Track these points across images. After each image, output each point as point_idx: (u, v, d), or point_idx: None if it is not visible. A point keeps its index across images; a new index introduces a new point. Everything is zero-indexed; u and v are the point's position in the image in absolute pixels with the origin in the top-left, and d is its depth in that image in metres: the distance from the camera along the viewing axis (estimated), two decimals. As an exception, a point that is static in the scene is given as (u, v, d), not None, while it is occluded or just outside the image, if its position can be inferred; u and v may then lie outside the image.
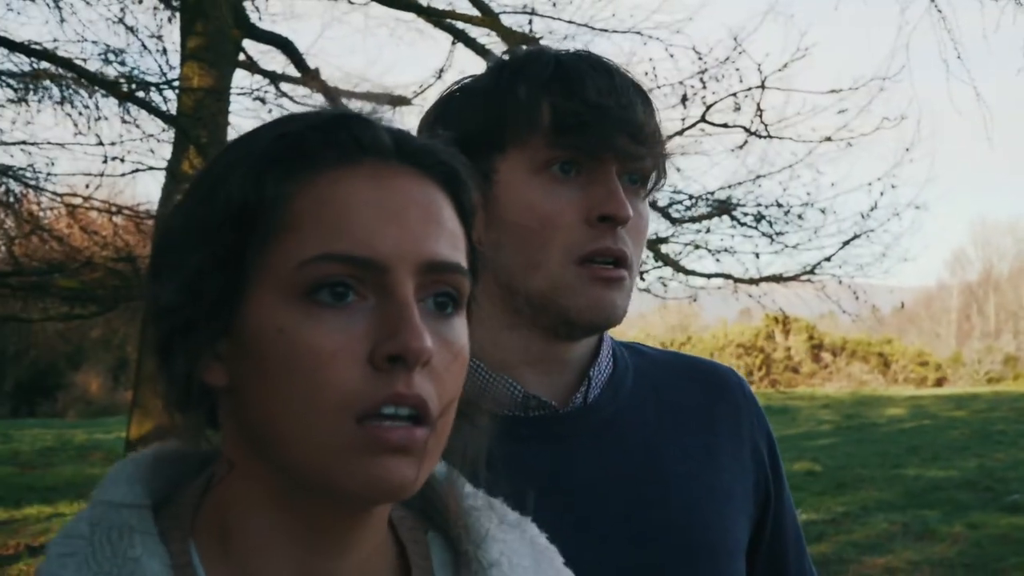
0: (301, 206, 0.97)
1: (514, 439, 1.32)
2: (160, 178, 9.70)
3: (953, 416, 25.14)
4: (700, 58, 9.86)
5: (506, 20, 9.70)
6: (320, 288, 0.95)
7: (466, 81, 1.45)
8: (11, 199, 11.96)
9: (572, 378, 1.44)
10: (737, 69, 9.90)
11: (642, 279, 11.71)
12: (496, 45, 9.58)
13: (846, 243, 10.93)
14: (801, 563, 1.59)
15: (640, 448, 1.43)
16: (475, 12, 9.60)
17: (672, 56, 9.90)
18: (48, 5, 9.21)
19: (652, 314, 51.60)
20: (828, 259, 10.98)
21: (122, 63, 9.33)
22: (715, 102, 9.79)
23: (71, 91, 9.71)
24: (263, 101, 9.85)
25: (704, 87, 9.89)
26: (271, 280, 0.96)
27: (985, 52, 9.67)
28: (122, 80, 9.13)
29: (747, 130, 9.90)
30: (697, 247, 11.17)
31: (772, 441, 1.56)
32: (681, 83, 10.03)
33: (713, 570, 1.41)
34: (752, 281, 11.13)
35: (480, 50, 9.53)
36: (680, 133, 10.02)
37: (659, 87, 10.09)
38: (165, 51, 9.92)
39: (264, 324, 0.96)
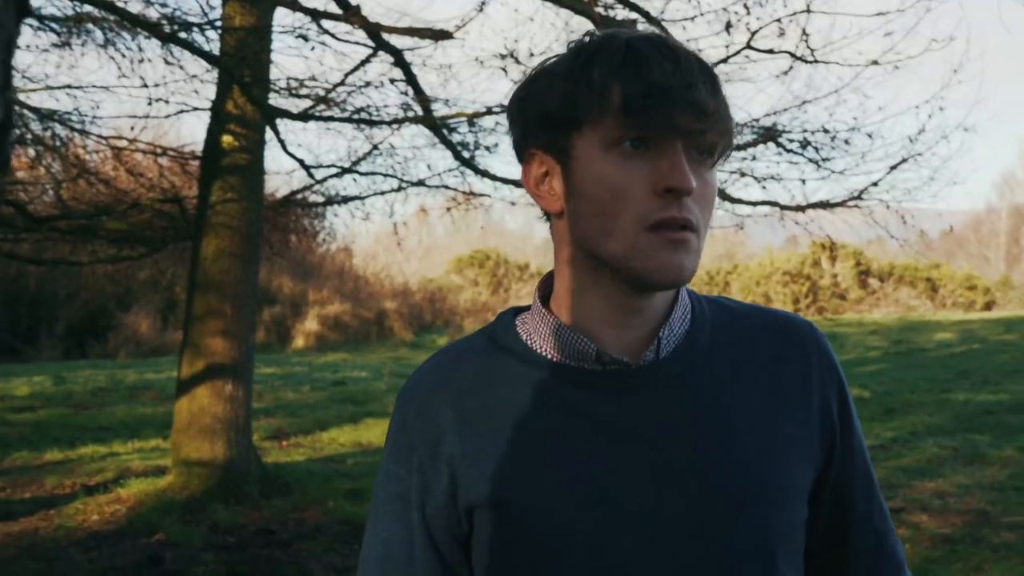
0: None
1: (589, 390, 1.53)
2: (205, 119, 9.71)
3: (1002, 340, 25.04)
4: (742, -16, 9.74)
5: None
6: None
7: (548, 63, 1.56)
8: (57, 143, 12.04)
9: (647, 333, 1.57)
10: (774, -4, 9.78)
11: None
12: (536, -24, 9.49)
13: (893, 167, 10.80)
14: (869, 504, 1.68)
15: (707, 400, 1.54)
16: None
17: (715, -18, 9.79)
18: (87, -52, 9.21)
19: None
20: (875, 184, 10.85)
21: (163, 4, 9.30)
22: (760, 28, 9.64)
23: (114, 34, 9.73)
24: (305, 39, 9.80)
25: (748, 12, 9.76)
26: None
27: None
28: (164, 21, 9.13)
29: (792, 55, 9.76)
30: (743, 175, 11.07)
31: (844, 392, 1.65)
32: (725, 9, 9.90)
33: (772, 514, 1.52)
34: (799, 208, 11.04)
35: (521, -19, 9.45)
36: (725, 60, 9.92)
37: (702, 14, 9.99)
38: (206, -9, 9.93)
39: None
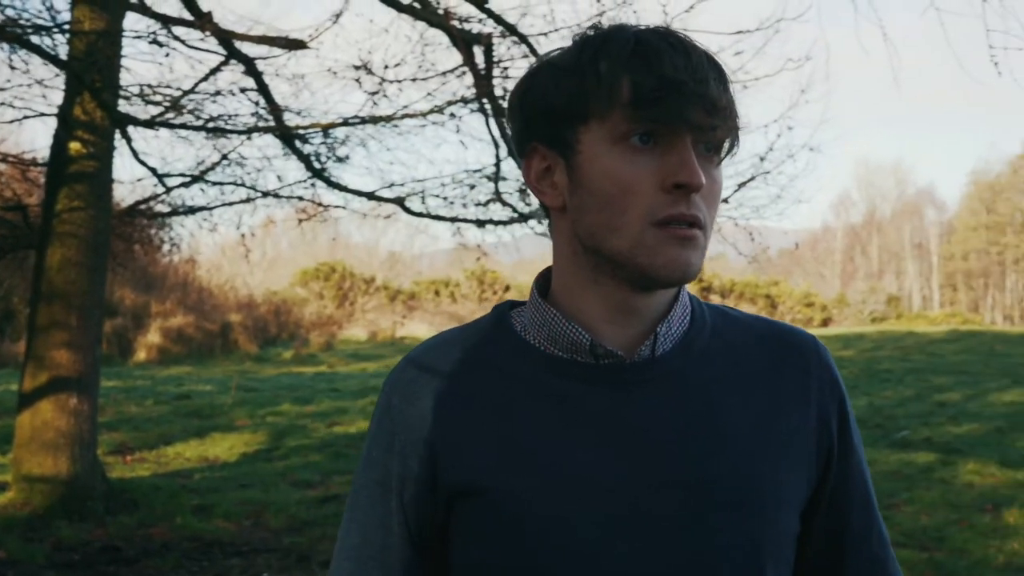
0: None
1: (581, 382, 1.50)
2: (49, 124, 9.47)
3: (840, 356, 25.73)
4: (598, 0, 9.82)
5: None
6: None
7: (552, 55, 1.54)
8: None
9: (645, 331, 1.54)
10: (635, 12, 9.88)
11: (540, 222, 11.73)
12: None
13: (742, 185, 10.98)
14: (868, 526, 1.65)
15: (702, 400, 1.52)
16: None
17: (570, -2, 9.84)
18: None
19: (543, 258, 51.76)
20: (725, 201, 11.01)
21: (7, 6, 9.07)
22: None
23: (-45, 35, 9.44)
24: (160, 44, 9.60)
25: (602, 29, 9.85)
26: None
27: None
28: (7, 24, 8.89)
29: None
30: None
31: (844, 407, 1.62)
32: (579, 25, 9.98)
33: (761, 519, 1.49)
34: (650, 224, 11.15)
35: (377, -7, 9.40)
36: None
37: (556, 30, 10.05)
38: (51, -7, 9.68)
39: None
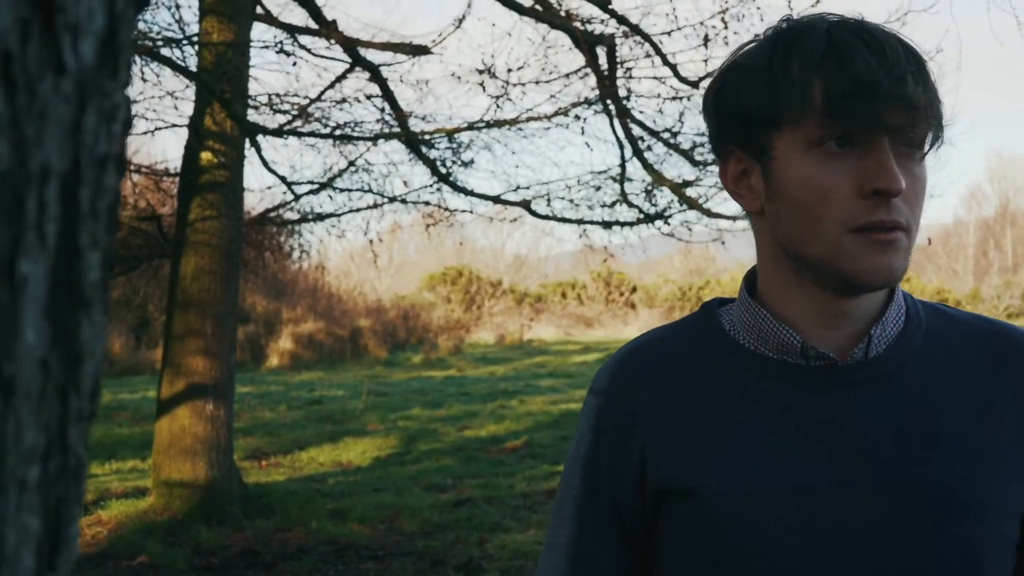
0: None
1: (792, 384, 1.48)
2: (180, 135, 9.65)
3: (976, 352, 25.19)
4: (721, -3, 9.76)
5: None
6: None
7: (742, 55, 1.50)
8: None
9: (856, 332, 1.50)
10: (758, 8, 9.80)
11: (667, 223, 11.69)
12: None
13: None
14: None
15: (916, 405, 1.47)
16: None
17: (693, -4, 9.81)
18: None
19: (669, 259, 51.56)
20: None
21: (139, 19, 9.24)
22: (739, 42, 9.68)
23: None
24: (288, 54, 9.75)
25: (726, 27, 9.80)
26: None
27: (1011, -18, 9.50)
28: (139, 37, 9.06)
29: (772, 68, 9.78)
30: (722, 189, 11.08)
31: None
32: (702, 23, 9.93)
33: (978, 527, 1.43)
34: (780, 222, 11.06)
35: (501, -3, 9.40)
36: (702, 78, 9.94)
37: (679, 29, 10.00)
38: (179, 6, 9.86)
39: None
